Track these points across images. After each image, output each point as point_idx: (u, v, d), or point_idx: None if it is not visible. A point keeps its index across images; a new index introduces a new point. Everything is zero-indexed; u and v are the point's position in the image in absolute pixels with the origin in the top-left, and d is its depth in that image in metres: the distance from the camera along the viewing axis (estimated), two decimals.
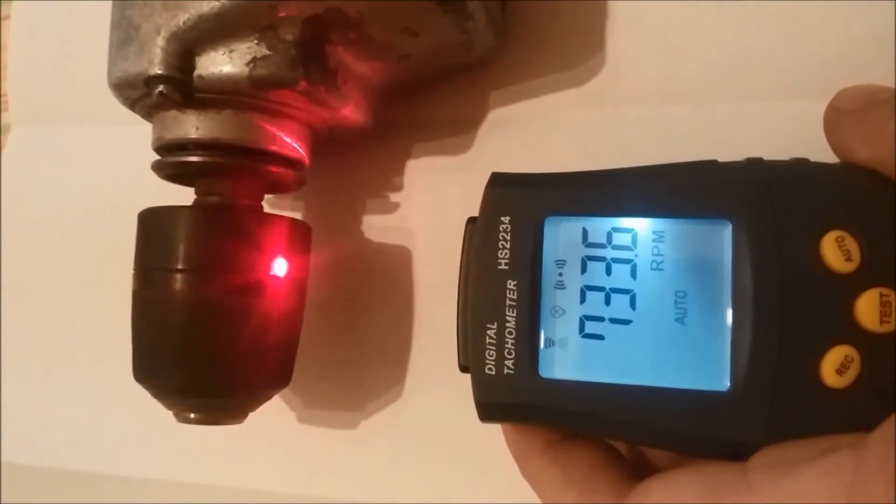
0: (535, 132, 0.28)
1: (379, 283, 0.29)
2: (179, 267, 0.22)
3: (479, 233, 0.20)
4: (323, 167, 0.29)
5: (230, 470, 0.30)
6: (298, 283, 0.25)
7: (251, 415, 0.27)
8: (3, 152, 0.36)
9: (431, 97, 0.29)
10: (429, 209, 0.28)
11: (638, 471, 0.20)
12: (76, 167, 0.34)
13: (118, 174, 0.33)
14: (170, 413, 0.25)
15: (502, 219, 0.20)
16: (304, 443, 0.29)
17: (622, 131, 0.27)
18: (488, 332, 0.20)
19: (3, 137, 0.36)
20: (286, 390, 0.29)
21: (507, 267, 0.20)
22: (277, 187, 0.26)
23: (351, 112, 0.25)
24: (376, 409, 0.28)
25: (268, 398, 0.25)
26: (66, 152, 0.35)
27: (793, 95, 0.25)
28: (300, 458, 0.29)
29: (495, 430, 0.22)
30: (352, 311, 0.29)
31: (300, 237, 0.25)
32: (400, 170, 0.29)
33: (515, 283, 0.20)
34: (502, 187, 0.21)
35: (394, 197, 0.29)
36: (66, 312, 0.33)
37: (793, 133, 0.23)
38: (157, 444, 0.31)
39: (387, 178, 0.29)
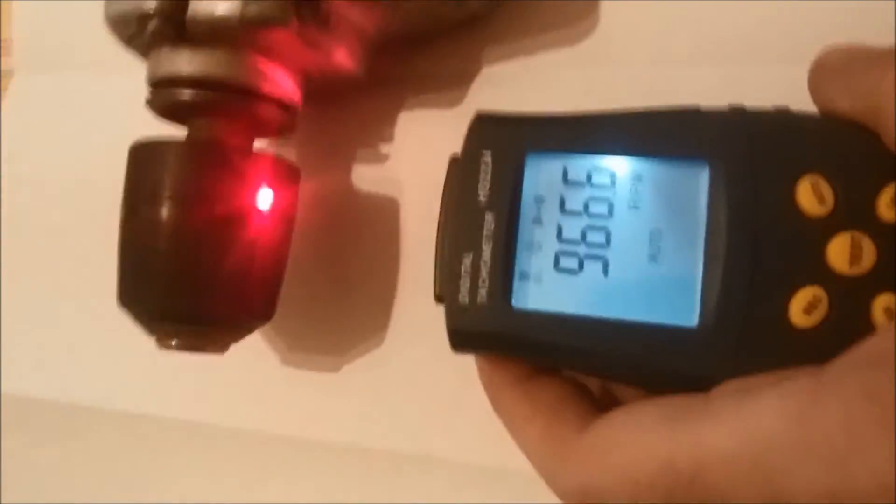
0: (528, 89, 0.28)
1: (366, 232, 0.29)
2: (166, 196, 0.23)
3: (460, 166, 0.20)
4: (315, 117, 0.29)
5: (216, 407, 0.30)
6: (284, 219, 0.25)
7: (236, 356, 0.27)
8: (5, 97, 0.36)
9: (426, 53, 0.29)
10: (418, 161, 0.29)
11: (606, 407, 0.20)
12: (78, 113, 0.35)
13: (120, 120, 0.33)
14: (159, 351, 0.25)
15: (484, 153, 0.20)
16: (287, 384, 0.29)
17: (614, 91, 0.27)
18: (464, 262, 0.20)
19: (4, 82, 0.37)
20: (271, 333, 0.30)
21: (485, 200, 0.20)
22: (268, 129, 0.26)
23: (343, 57, 0.25)
24: (359, 355, 0.29)
25: (249, 331, 0.25)
26: (69, 98, 0.35)
27: (784, 60, 0.25)
28: (283, 398, 0.29)
29: (475, 381, 0.22)
30: (338, 259, 0.29)
31: (286, 175, 0.25)
32: (392, 122, 0.29)
33: (493, 216, 0.20)
34: (486, 124, 0.21)
35: (384, 148, 0.29)
36: (67, 250, 0.33)
37: (783, 97, 0.22)
38: (147, 381, 0.31)
39: (378, 130, 0.29)
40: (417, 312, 0.28)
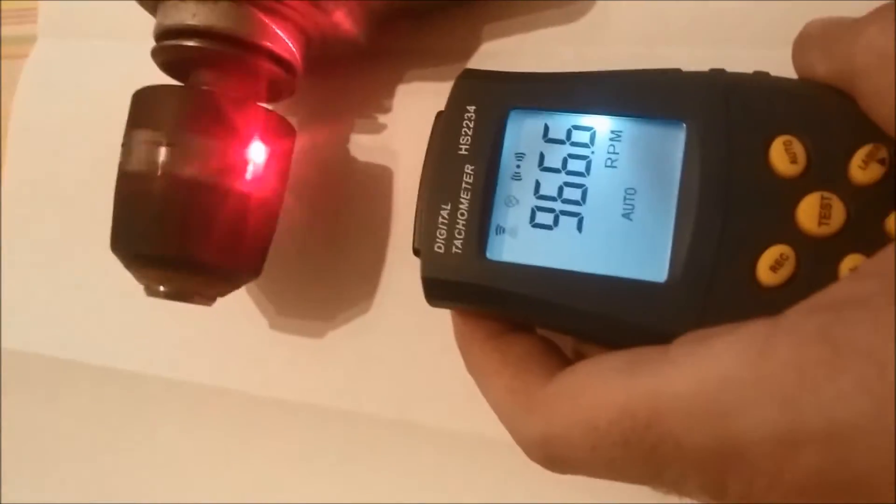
0: (525, 66, 0.28)
1: (359, 200, 0.30)
2: (162, 140, 0.23)
3: (444, 118, 0.21)
4: (316, 86, 0.30)
5: (204, 367, 0.31)
6: (276, 175, 0.26)
7: (226, 318, 0.28)
8: (27, 61, 0.38)
9: (426, 27, 0.30)
10: (414, 133, 0.29)
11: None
12: (94, 78, 0.36)
13: (134, 87, 0.35)
14: (152, 310, 0.26)
15: (468, 108, 0.21)
16: (273, 346, 0.30)
17: (608, 68, 0.27)
18: (442, 212, 0.20)
19: (26, 48, 0.38)
20: (258, 295, 0.30)
21: (467, 153, 0.21)
22: (266, 87, 0.27)
23: (343, 19, 0.26)
24: (346, 320, 0.29)
25: (237, 285, 0.26)
26: (88, 64, 0.36)
27: (777, 43, 0.26)
28: (268, 360, 0.30)
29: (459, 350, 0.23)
30: (330, 225, 0.30)
31: (281, 129, 0.26)
32: (390, 93, 0.30)
33: (473, 168, 0.20)
34: (472, 80, 0.21)
35: (381, 118, 0.30)
36: (70, 209, 0.34)
37: None
38: (137, 340, 0.32)
39: (377, 101, 0.30)
40: (404, 281, 0.29)
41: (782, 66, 0.22)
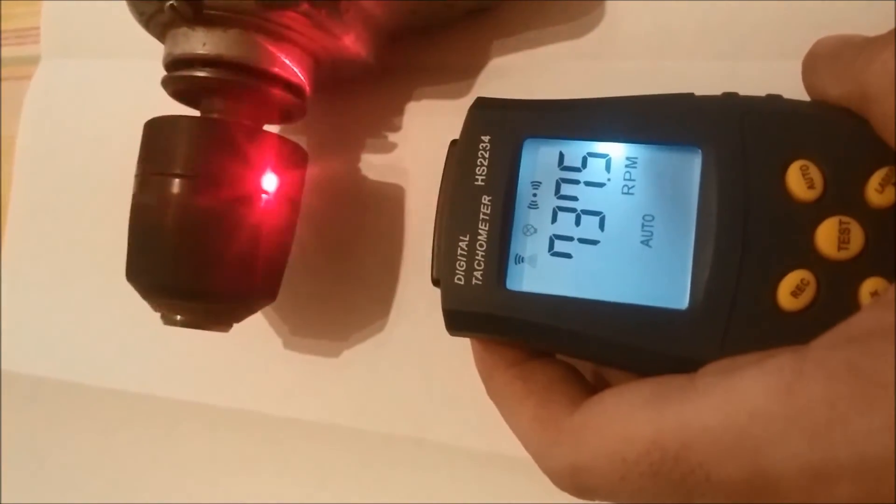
0: (533, 81, 0.28)
1: (371, 219, 0.30)
2: (177, 172, 0.23)
3: (459, 149, 0.21)
4: (325, 106, 0.30)
5: (216, 388, 0.31)
6: (290, 201, 0.26)
7: (240, 339, 0.28)
8: (31, 82, 0.37)
9: (434, 44, 0.30)
10: (425, 150, 0.29)
11: (598, 391, 0.20)
12: (99, 99, 0.36)
13: (139, 107, 0.34)
14: (162, 331, 0.26)
15: (483, 138, 0.21)
16: (288, 367, 0.30)
17: (617, 84, 0.27)
18: (460, 243, 0.20)
19: (28, 69, 0.38)
20: (273, 316, 0.31)
21: (483, 183, 0.21)
22: (277, 112, 0.27)
23: (352, 43, 0.26)
24: (360, 339, 0.29)
25: (253, 310, 0.26)
26: (92, 84, 0.36)
27: (785, 55, 0.26)
28: (283, 380, 0.30)
29: (473, 367, 0.23)
30: (342, 244, 0.30)
31: (294, 155, 0.26)
32: (399, 111, 0.30)
33: (490, 198, 0.20)
34: (486, 109, 0.21)
35: (392, 137, 0.30)
36: (73, 230, 0.34)
37: (780, 90, 0.23)
38: (147, 361, 0.32)
39: (386, 119, 0.30)
40: (418, 299, 0.29)
41: (792, 77, 0.22)
